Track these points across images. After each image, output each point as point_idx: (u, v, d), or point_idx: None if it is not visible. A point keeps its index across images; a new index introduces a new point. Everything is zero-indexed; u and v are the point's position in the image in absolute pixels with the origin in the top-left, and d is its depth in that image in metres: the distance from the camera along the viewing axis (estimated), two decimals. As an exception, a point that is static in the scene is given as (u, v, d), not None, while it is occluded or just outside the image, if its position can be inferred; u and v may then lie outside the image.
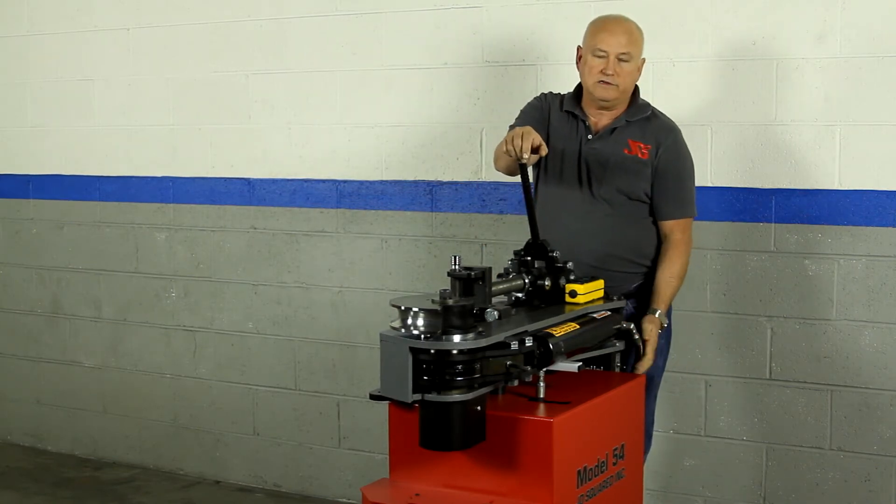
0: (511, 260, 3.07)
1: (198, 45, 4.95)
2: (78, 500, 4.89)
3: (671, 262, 3.41)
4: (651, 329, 3.29)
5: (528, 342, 2.63)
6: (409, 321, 2.55)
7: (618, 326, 3.10)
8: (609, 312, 3.06)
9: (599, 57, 3.32)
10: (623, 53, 3.32)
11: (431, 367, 2.47)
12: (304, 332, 4.83)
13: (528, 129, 3.05)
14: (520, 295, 3.00)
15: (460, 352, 2.47)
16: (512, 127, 3.49)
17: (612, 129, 3.41)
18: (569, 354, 2.77)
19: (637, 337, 3.20)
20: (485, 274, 2.71)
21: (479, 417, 2.56)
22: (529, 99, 3.60)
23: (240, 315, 4.98)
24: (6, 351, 5.69)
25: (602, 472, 2.78)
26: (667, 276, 3.39)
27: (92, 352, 5.42)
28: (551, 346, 2.65)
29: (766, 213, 3.91)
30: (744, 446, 4.02)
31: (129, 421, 5.33)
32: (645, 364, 3.25)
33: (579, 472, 2.67)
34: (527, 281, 3.00)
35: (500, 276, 3.03)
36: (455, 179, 4.42)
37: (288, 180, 4.79)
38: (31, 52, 5.41)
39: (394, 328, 2.58)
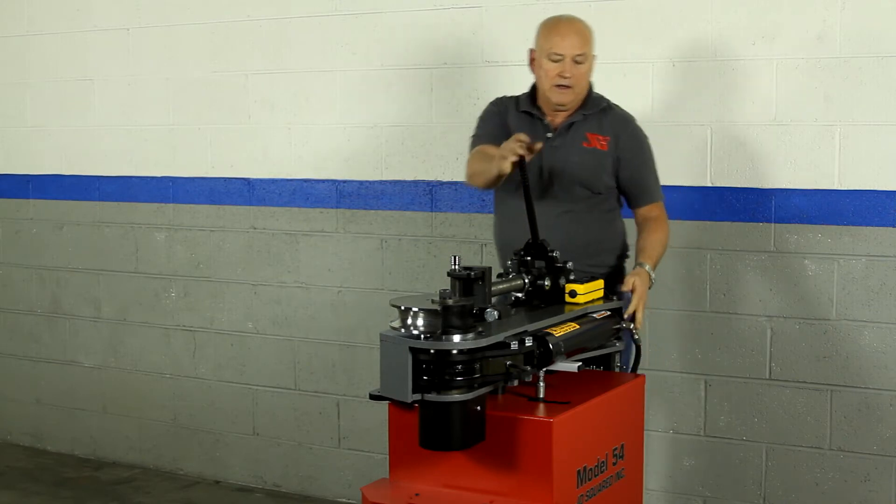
0: (511, 260, 3.07)
1: (198, 45, 4.95)
2: (78, 500, 4.89)
3: (653, 231, 3.39)
4: (636, 282, 3.18)
5: (528, 342, 2.63)
6: (409, 321, 2.55)
7: (617, 326, 3.10)
8: (609, 312, 3.06)
9: (555, 61, 3.34)
10: (578, 55, 3.34)
11: (431, 367, 2.47)
12: (304, 332, 4.83)
13: (519, 135, 3.08)
14: (520, 295, 3.00)
15: (460, 352, 2.47)
16: (475, 136, 3.53)
17: (569, 125, 3.42)
18: (569, 354, 2.76)
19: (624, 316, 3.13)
20: (485, 274, 2.71)
21: (478, 417, 2.56)
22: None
23: (240, 315, 4.98)
24: (6, 351, 5.69)
25: (602, 472, 2.78)
26: (652, 240, 3.36)
27: (91, 352, 5.42)
28: (551, 346, 2.64)
29: (766, 213, 3.91)
30: (744, 446, 4.02)
31: (129, 421, 5.33)
32: (636, 317, 3.15)
33: (579, 471, 2.67)
34: (527, 281, 3.00)
35: (499, 276, 3.03)
36: (455, 179, 4.41)
37: (287, 180, 4.79)
38: (31, 52, 5.41)
39: (394, 328, 2.58)
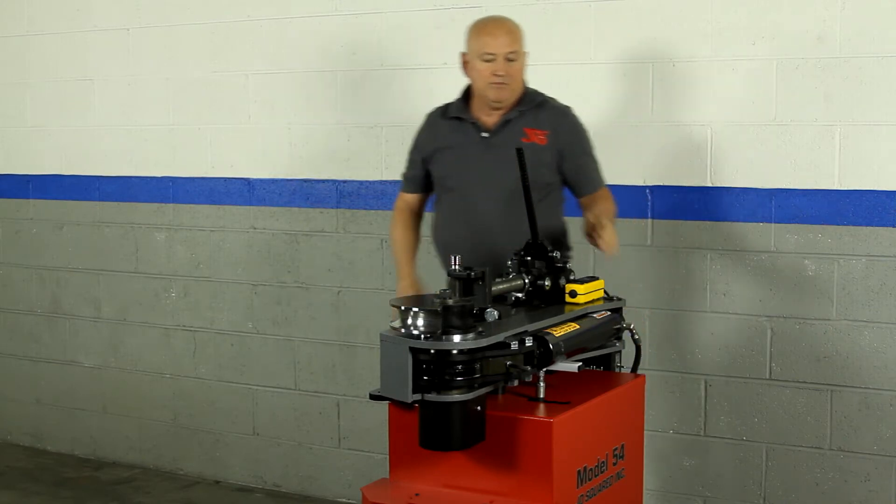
0: (511, 260, 3.07)
1: (198, 45, 4.95)
2: (78, 500, 4.89)
3: (600, 202, 3.41)
4: (595, 214, 3.22)
5: (528, 342, 2.63)
6: (409, 321, 2.55)
7: (618, 326, 3.10)
8: (609, 312, 3.06)
9: (488, 61, 3.36)
10: (511, 53, 3.37)
11: (431, 367, 2.47)
12: (304, 332, 4.83)
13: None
14: (520, 295, 3.00)
15: (460, 352, 2.47)
16: (403, 177, 3.65)
17: (505, 122, 3.43)
18: (569, 354, 2.76)
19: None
20: (485, 274, 2.71)
21: (479, 417, 2.56)
22: None
23: (240, 315, 4.97)
24: (6, 351, 5.69)
25: (602, 472, 2.78)
26: (601, 207, 3.37)
27: (91, 351, 5.42)
28: (551, 346, 2.64)
29: (766, 213, 3.90)
30: (744, 446, 4.02)
31: (129, 421, 5.33)
32: (609, 240, 3.15)
33: (579, 472, 2.67)
34: (527, 281, 3.00)
35: (500, 276, 3.03)
36: (455, 179, 4.41)
37: (287, 180, 4.79)
38: (31, 52, 5.41)
39: (394, 328, 2.58)
